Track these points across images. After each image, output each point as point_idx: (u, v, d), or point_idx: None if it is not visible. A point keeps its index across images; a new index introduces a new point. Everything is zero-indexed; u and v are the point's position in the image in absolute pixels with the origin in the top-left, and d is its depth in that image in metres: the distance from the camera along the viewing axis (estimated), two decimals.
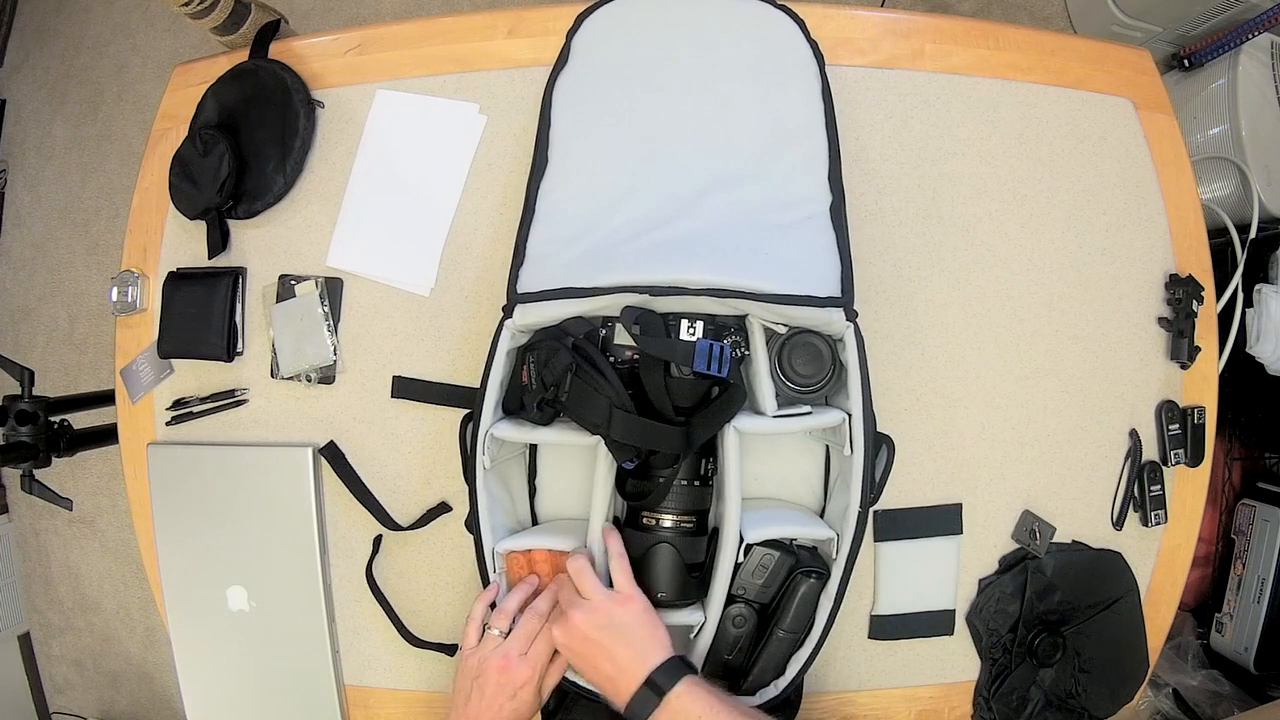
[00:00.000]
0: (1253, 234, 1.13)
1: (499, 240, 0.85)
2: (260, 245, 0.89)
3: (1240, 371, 1.15)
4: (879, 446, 0.72)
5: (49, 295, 1.92)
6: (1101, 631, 0.83)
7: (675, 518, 0.71)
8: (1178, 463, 0.83)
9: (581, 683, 0.74)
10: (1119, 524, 0.84)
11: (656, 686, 0.61)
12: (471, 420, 0.73)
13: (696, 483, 0.72)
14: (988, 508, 0.83)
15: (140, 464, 0.88)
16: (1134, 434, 0.84)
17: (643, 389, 0.70)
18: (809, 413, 0.72)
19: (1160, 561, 0.85)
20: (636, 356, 0.73)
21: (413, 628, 0.85)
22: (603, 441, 0.70)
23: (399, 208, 0.86)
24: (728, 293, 0.69)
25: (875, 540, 0.82)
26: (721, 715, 0.59)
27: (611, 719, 0.68)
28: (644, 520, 0.72)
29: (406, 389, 0.85)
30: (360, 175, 0.87)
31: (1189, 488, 0.85)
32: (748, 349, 0.73)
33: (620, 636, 0.63)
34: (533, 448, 0.82)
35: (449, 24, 0.88)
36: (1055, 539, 0.83)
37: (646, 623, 0.64)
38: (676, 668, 0.62)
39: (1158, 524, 0.83)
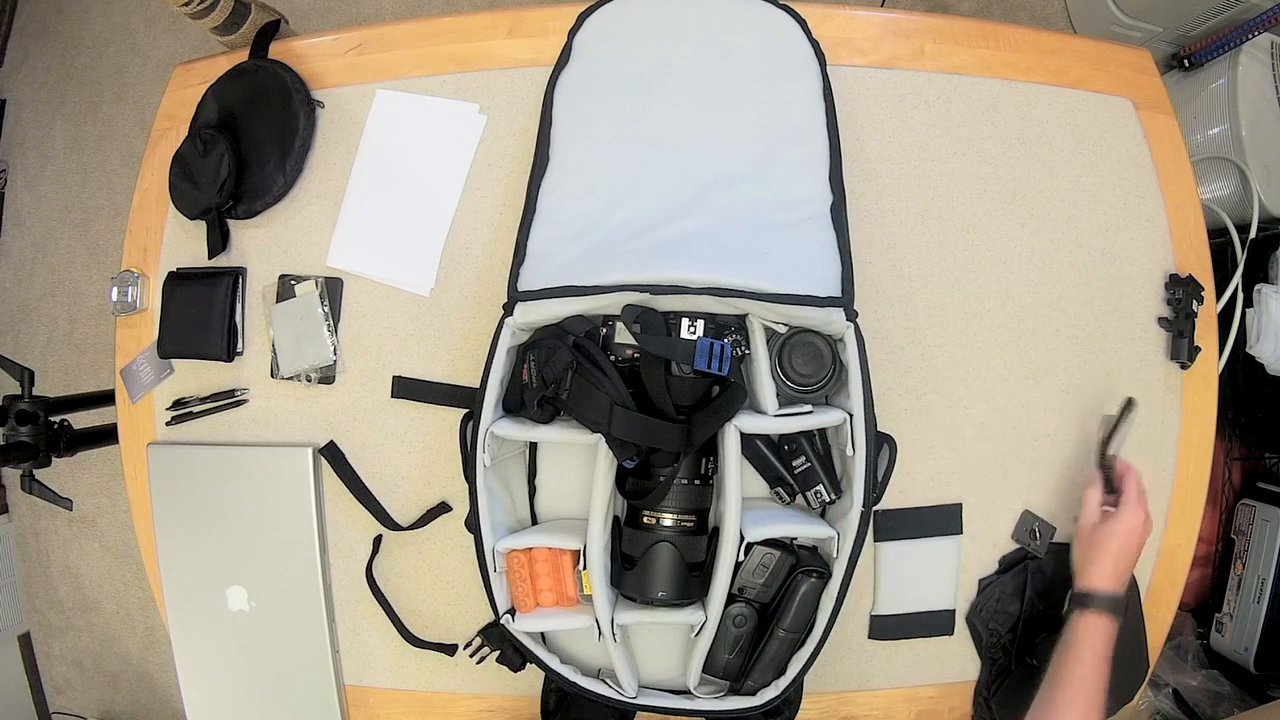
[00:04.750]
0: (1253, 234, 1.13)
1: (499, 240, 0.85)
2: (260, 245, 0.89)
3: (1240, 371, 1.16)
4: (880, 446, 0.72)
5: (49, 295, 1.92)
6: None
7: (675, 516, 0.71)
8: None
9: (583, 683, 0.74)
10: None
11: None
12: (472, 419, 0.73)
13: (697, 481, 0.72)
14: (988, 508, 0.83)
15: (140, 464, 0.88)
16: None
17: (643, 387, 0.70)
18: (810, 412, 0.72)
19: (1160, 561, 0.85)
20: (637, 355, 0.73)
21: (413, 628, 0.85)
22: (603, 439, 0.70)
23: (399, 208, 0.86)
24: (728, 292, 0.69)
25: (875, 540, 0.82)
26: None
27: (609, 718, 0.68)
28: (644, 519, 0.72)
29: (406, 389, 0.85)
30: (360, 175, 0.87)
31: (1189, 487, 0.85)
32: (748, 348, 0.73)
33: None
34: (533, 447, 0.82)
35: (449, 24, 0.88)
36: (1055, 539, 0.83)
37: None
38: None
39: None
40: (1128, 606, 0.83)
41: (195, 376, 0.89)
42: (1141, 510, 0.73)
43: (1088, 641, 0.69)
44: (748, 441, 0.75)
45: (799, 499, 0.78)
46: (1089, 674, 0.67)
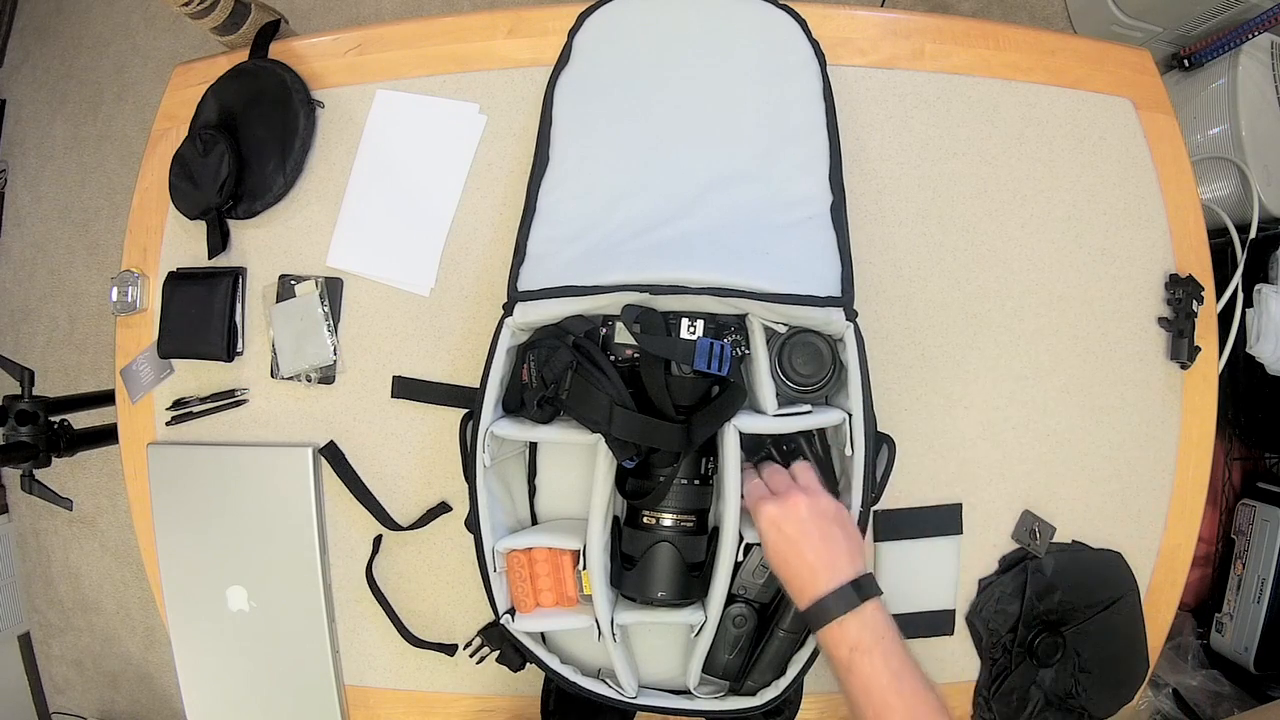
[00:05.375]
0: (1253, 234, 1.13)
1: (499, 240, 0.85)
2: (260, 245, 0.89)
3: (1240, 371, 1.16)
4: (879, 446, 0.72)
5: (49, 295, 1.92)
6: (1101, 631, 0.83)
7: (675, 517, 0.71)
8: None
9: (583, 683, 0.74)
10: None
11: (861, 589, 0.59)
12: (472, 419, 0.73)
13: (696, 481, 0.72)
14: (988, 508, 0.83)
15: (140, 464, 0.88)
16: None
17: (643, 387, 0.70)
18: (809, 412, 0.72)
19: (1160, 561, 0.85)
20: (637, 355, 0.73)
21: (413, 628, 0.85)
22: (603, 439, 0.70)
23: (399, 208, 0.86)
24: (728, 292, 0.69)
25: (875, 540, 0.82)
26: (898, 643, 0.57)
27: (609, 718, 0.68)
28: (644, 519, 0.72)
29: (406, 389, 0.85)
30: (360, 175, 0.87)
31: (1189, 487, 0.85)
32: (748, 348, 0.73)
33: (834, 532, 0.62)
34: (532, 447, 0.82)
35: (449, 24, 0.88)
36: (1055, 539, 0.83)
37: (855, 531, 0.64)
38: (874, 582, 0.61)
39: None
40: (1120, 605, 0.83)
41: (195, 376, 0.89)
42: (768, 505, 0.63)
43: (841, 659, 0.57)
44: (746, 442, 0.75)
45: None
46: (881, 682, 0.56)
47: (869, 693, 0.56)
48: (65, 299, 1.91)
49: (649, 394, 0.70)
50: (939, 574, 0.83)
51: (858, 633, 0.57)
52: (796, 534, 0.62)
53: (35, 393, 1.09)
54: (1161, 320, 0.85)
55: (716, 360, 0.69)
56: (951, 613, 0.83)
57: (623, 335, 0.75)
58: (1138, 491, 0.84)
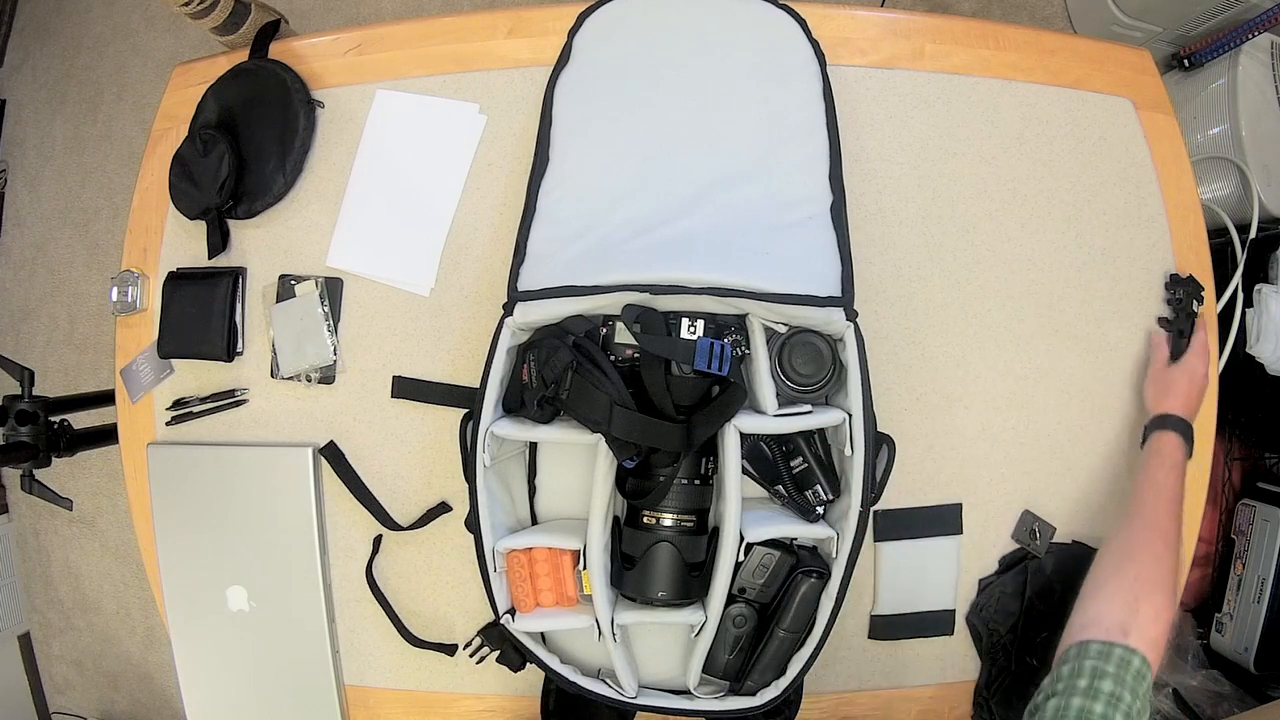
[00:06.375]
0: (1253, 234, 1.12)
1: (499, 240, 0.85)
2: (260, 245, 0.89)
3: (1240, 371, 1.15)
4: (879, 446, 0.72)
5: (49, 295, 1.92)
6: None
7: (675, 516, 0.71)
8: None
9: (583, 683, 0.74)
10: None
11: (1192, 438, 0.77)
12: (472, 419, 0.73)
13: (697, 481, 0.72)
14: (988, 508, 0.83)
15: (140, 464, 0.88)
16: None
17: (643, 387, 0.70)
18: (809, 412, 0.72)
19: None
20: (637, 355, 0.73)
21: (413, 628, 0.85)
22: (603, 439, 0.70)
23: (399, 208, 0.86)
24: (728, 292, 0.69)
25: (875, 540, 0.82)
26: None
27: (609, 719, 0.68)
28: (644, 519, 0.72)
29: (406, 389, 0.85)
30: (360, 175, 0.87)
31: (1189, 487, 0.85)
32: (748, 348, 0.73)
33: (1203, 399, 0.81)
34: (533, 447, 0.82)
35: (449, 24, 0.88)
36: (1055, 539, 0.83)
37: None
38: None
39: None
40: None
41: (195, 376, 0.89)
42: (1207, 358, 0.80)
43: (1166, 453, 0.73)
44: (746, 442, 0.75)
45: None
46: (1169, 479, 0.71)
47: (1176, 492, 0.71)
48: (65, 299, 1.90)
49: (649, 394, 0.70)
50: (939, 574, 0.83)
51: (1179, 452, 0.74)
52: (1199, 388, 0.79)
53: (35, 393, 1.09)
54: (1161, 320, 0.85)
55: (717, 360, 0.69)
56: (951, 613, 0.83)
57: (623, 335, 0.75)
58: None
